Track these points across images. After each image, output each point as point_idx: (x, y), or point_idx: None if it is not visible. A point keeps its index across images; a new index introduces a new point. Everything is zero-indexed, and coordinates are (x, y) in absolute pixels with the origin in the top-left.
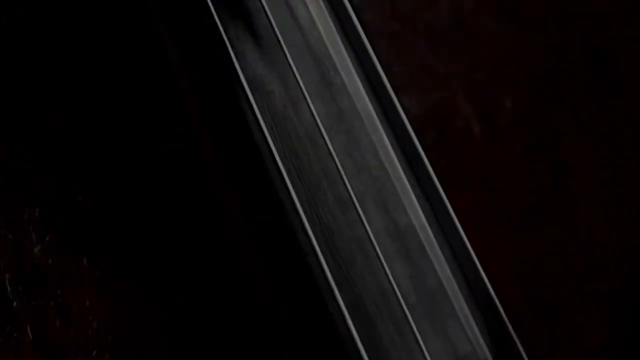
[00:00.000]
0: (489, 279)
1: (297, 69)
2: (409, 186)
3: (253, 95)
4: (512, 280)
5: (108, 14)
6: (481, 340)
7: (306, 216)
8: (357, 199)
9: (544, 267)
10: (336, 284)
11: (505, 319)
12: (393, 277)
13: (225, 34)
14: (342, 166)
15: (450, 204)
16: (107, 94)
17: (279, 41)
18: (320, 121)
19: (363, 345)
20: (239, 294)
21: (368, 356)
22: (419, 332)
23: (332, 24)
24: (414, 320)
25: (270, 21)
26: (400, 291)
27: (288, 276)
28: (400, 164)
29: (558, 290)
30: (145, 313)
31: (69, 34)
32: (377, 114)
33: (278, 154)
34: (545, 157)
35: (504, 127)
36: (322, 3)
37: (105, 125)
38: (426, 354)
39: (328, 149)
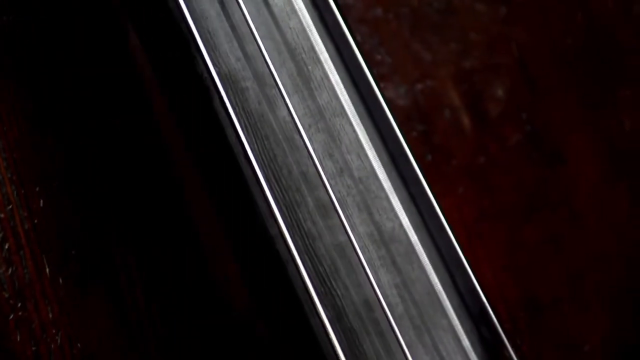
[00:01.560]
0: (481, 285)
1: (272, 63)
2: (394, 188)
3: (226, 92)
4: (506, 281)
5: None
6: (473, 353)
7: (285, 222)
8: (338, 203)
9: (539, 265)
10: (317, 294)
11: (499, 328)
12: (378, 286)
13: (196, 26)
14: (323, 168)
15: (438, 204)
16: (72, 98)
17: (252, 34)
18: (299, 119)
19: None
20: (213, 305)
21: None
22: (407, 346)
23: (309, 13)
24: (400, 332)
25: (243, 12)
26: (385, 301)
27: (265, 287)
28: (385, 163)
29: (555, 289)
30: (113, 327)
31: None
32: (359, 109)
33: (254, 155)
34: (539, 148)
35: (495, 117)
36: None
37: (67, 130)
38: None
39: (307, 149)
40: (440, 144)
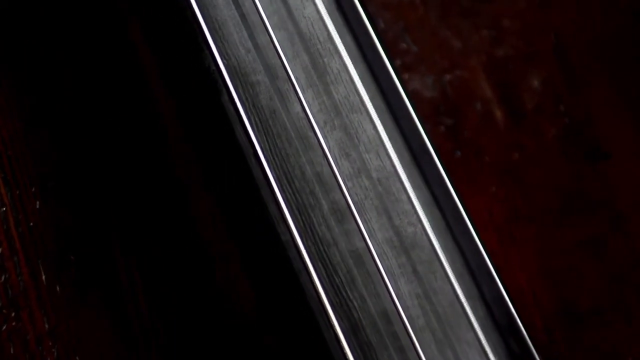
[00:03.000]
0: (511, 293)
1: (285, 55)
2: (416, 189)
3: (235, 86)
4: (541, 288)
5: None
6: None
7: (297, 228)
8: (355, 206)
9: (578, 270)
10: (331, 305)
11: (529, 342)
12: (397, 297)
13: (202, 15)
14: (338, 168)
15: (464, 206)
16: (70, 94)
17: (264, 23)
18: (313, 116)
19: None
20: (219, 316)
21: None
22: None
23: (325, 0)
24: (421, 347)
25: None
26: (405, 313)
27: (276, 297)
28: (406, 163)
29: (595, 296)
30: (114, 338)
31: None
32: (379, 104)
33: (264, 155)
34: (578, 143)
35: (530, 110)
36: None
37: (65, 128)
38: None
39: (322, 148)
40: (470, 139)
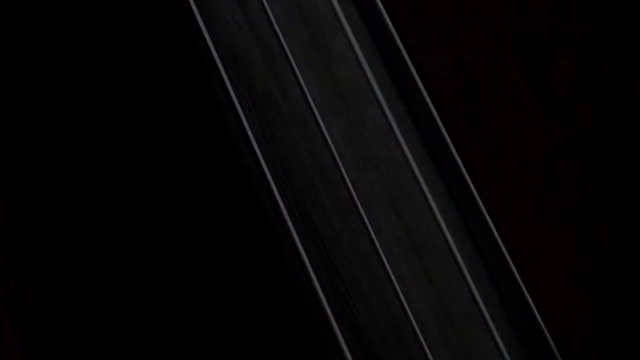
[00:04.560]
0: (540, 298)
1: (282, 31)
2: (429, 183)
3: (226, 68)
4: (579, 295)
5: None
6: None
7: (295, 225)
8: (360, 201)
9: (620, 273)
10: (333, 312)
11: (558, 356)
12: (408, 303)
13: None
14: (342, 159)
15: (486, 201)
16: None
17: None
18: (313, 100)
19: None
20: (219, 326)
21: None
22: None
23: None
24: (435, 359)
25: None
26: (417, 322)
27: (274, 304)
28: (418, 153)
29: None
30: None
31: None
32: (387, 87)
33: (258, 145)
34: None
35: (563, 95)
36: None
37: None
38: None
39: (323, 136)
40: (494, 127)
